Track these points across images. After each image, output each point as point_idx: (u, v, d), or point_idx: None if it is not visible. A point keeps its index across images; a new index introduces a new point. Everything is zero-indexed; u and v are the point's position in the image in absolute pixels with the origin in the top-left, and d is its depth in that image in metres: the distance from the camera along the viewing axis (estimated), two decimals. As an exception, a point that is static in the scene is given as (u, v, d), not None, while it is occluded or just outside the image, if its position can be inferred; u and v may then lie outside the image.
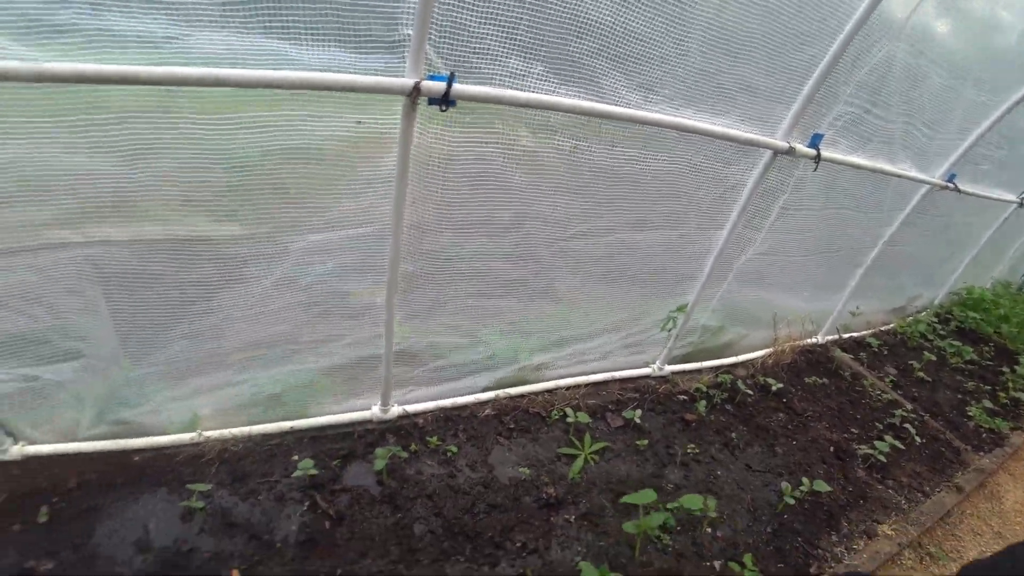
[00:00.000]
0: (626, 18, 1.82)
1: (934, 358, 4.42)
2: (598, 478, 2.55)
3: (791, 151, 2.38)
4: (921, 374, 4.10)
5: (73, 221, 1.69)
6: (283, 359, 2.22)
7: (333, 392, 2.41)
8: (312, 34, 1.51)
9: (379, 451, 2.31)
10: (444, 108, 1.68)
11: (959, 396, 4.06)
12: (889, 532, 2.67)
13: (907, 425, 3.37)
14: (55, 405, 2.13)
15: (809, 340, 3.99)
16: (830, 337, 4.16)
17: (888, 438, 3.14)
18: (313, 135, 1.65)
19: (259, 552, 1.98)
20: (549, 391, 2.91)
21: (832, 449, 3.10)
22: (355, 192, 1.83)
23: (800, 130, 2.42)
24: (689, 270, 2.83)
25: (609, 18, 1.82)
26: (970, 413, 3.82)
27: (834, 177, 2.85)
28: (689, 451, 2.78)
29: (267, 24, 1.48)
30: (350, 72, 1.55)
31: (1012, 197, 4.34)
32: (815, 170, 2.54)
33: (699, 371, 3.39)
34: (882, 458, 3.02)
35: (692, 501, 2.32)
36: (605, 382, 3.10)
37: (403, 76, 1.60)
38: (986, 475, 3.30)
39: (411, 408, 2.62)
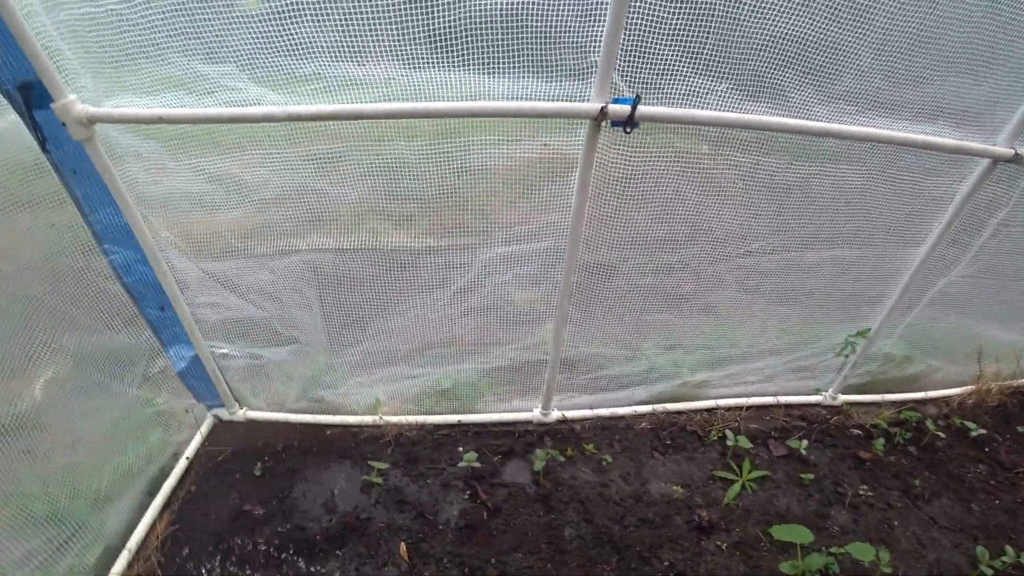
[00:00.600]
0: (816, 28, 1.70)
1: None
2: (755, 508, 2.41)
3: (1017, 158, 2.03)
4: None
5: (301, 231, 2.03)
6: (457, 358, 2.44)
7: (499, 392, 2.60)
8: (507, 66, 1.64)
9: (539, 452, 2.44)
10: (628, 130, 1.72)
11: None
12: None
13: None
14: (271, 380, 2.57)
15: (1020, 381, 3.35)
16: None
17: None
18: (505, 157, 1.80)
19: (424, 530, 2.21)
20: (708, 410, 2.82)
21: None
22: (538, 209, 1.95)
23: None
24: (875, 292, 2.55)
25: (798, 30, 1.72)
26: None
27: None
28: (861, 493, 2.51)
29: (465, 59, 1.65)
30: (541, 100, 1.66)
31: None
32: None
33: (878, 404, 3.03)
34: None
35: (862, 551, 2.08)
36: (769, 406, 2.91)
37: (589, 101, 1.67)
38: None
39: (570, 414, 2.74)
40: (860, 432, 2.83)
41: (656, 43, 1.64)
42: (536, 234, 2.08)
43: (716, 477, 2.54)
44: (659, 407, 2.80)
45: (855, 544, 2.10)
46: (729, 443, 2.62)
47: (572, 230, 2.00)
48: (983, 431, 2.92)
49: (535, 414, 2.68)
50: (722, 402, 2.84)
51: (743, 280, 2.35)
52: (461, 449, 2.53)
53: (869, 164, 2.08)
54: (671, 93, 1.77)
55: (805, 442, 2.68)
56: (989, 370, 3.19)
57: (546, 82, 1.67)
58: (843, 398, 2.95)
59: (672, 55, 1.70)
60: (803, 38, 1.76)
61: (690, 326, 2.52)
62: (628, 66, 1.68)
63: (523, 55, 1.62)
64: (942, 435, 2.89)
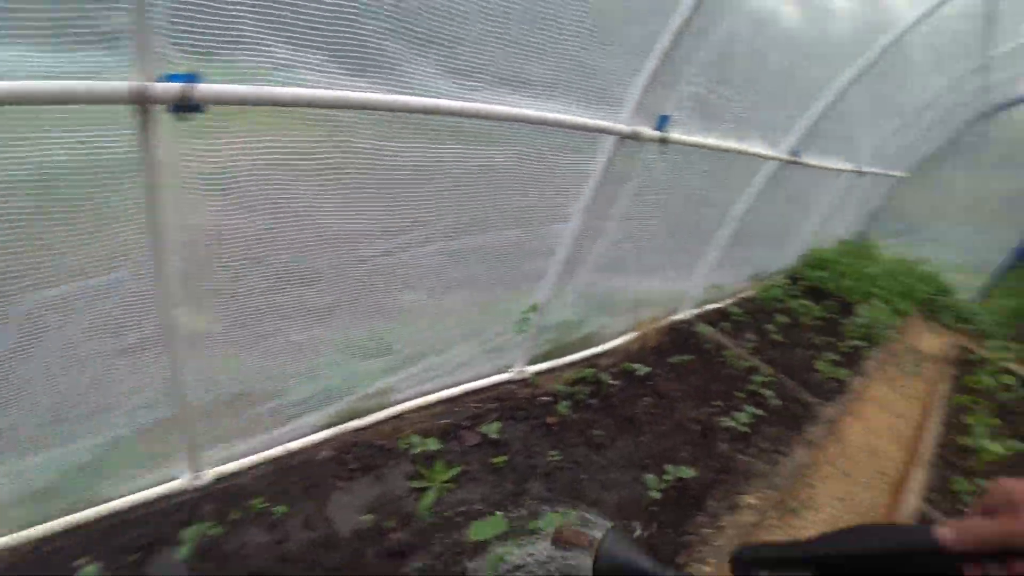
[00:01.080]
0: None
1: (788, 320, 4.68)
2: (453, 510, 2.29)
3: (636, 135, 2.15)
4: (777, 336, 4.31)
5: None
6: (48, 441, 1.66)
7: (128, 467, 1.89)
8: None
9: (186, 533, 1.86)
10: (186, 116, 1.21)
11: (809, 352, 4.33)
12: (753, 501, 2.71)
13: (765, 390, 3.49)
14: None
15: (675, 317, 4.00)
16: (694, 311, 4.21)
17: (748, 407, 3.22)
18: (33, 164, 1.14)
19: None
20: (396, 416, 2.58)
21: (698, 428, 3.10)
22: (96, 229, 1.33)
23: (645, 112, 2.20)
24: (537, 268, 2.58)
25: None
26: (818, 367, 4.08)
27: (686, 158, 2.70)
28: (551, 459, 2.60)
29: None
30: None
31: (850, 166, 4.59)
32: (663, 153, 2.35)
33: (562, 367, 3.22)
34: (744, 428, 3.07)
35: (550, 521, 2.16)
36: (460, 396, 2.82)
37: (127, 79, 1.11)
38: (833, 423, 3.52)
39: (230, 467, 2.16)
40: (549, 398, 2.95)
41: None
42: (106, 264, 1.45)
43: (412, 488, 2.35)
44: (340, 428, 2.45)
45: (548, 516, 2.12)
46: (416, 449, 2.44)
47: (154, 249, 1.43)
48: (647, 369, 3.36)
49: (184, 481, 2.05)
50: (410, 404, 2.65)
51: (403, 276, 2.10)
52: (82, 561, 1.80)
53: (507, 145, 1.96)
54: (248, 66, 1.32)
55: (497, 424, 2.66)
56: (646, 315, 3.68)
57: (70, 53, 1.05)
58: (531, 369, 3.05)
59: (243, 15, 1.23)
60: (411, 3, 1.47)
61: (354, 335, 2.20)
62: (184, 31, 1.17)
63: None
64: (615, 383, 3.22)
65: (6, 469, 1.67)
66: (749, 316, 4.57)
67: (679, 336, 3.89)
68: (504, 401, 2.86)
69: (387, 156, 1.70)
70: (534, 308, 2.73)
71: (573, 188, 2.32)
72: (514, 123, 1.89)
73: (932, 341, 5.92)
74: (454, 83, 1.69)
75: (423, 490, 2.31)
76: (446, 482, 2.38)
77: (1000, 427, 3.94)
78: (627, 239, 2.84)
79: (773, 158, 3.33)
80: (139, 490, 1.99)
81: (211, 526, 1.96)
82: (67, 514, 1.87)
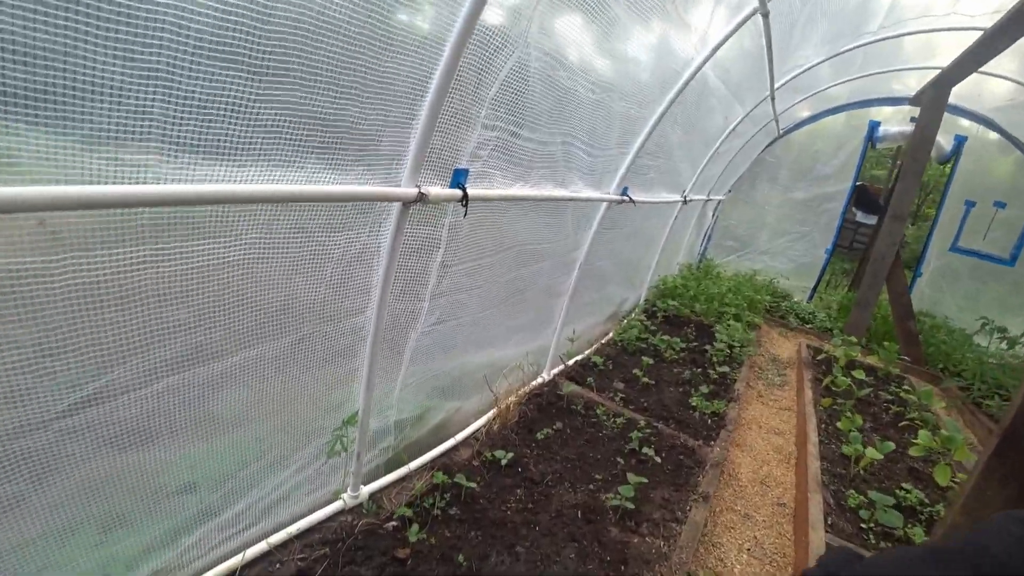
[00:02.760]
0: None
1: (653, 359, 4.53)
2: None
3: (423, 197, 1.75)
4: (646, 379, 4.09)
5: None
6: None
7: None
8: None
9: None
10: None
11: (681, 389, 4.17)
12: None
13: (646, 448, 3.18)
14: None
15: (537, 382, 3.63)
16: (556, 370, 3.88)
17: (632, 475, 2.85)
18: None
19: None
20: None
21: (580, 514, 2.67)
22: None
23: (433, 169, 1.82)
24: (342, 372, 2.05)
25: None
26: (693, 403, 3.91)
27: (502, 214, 2.37)
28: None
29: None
30: None
31: (677, 197, 4.72)
32: (465, 215, 1.98)
33: (411, 476, 2.65)
34: (630, 504, 2.68)
35: None
36: (279, 546, 2.12)
37: None
38: (721, 464, 3.30)
39: None
40: (396, 524, 2.35)
41: None
42: None
43: None
44: None
45: None
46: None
47: None
48: (511, 454, 2.90)
49: None
50: (216, 570, 1.91)
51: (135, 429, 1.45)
52: None
53: (235, 234, 1.44)
54: None
55: (323, 585, 2.01)
56: (502, 388, 3.26)
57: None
58: (368, 489, 2.44)
59: None
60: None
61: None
62: None
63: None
64: (477, 479, 2.71)
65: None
66: (614, 363, 4.35)
67: (544, 403, 3.50)
68: (337, 542, 2.21)
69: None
70: (351, 420, 2.16)
71: (360, 272, 1.84)
72: (247, 204, 1.38)
73: (785, 345, 6.25)
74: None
75: None
76: None
77: (867, 426, 4.06)
78: (454, 316, 2.41)
79: (602, 200, 3.18)
80: None
81: None
82: None
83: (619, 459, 3.11)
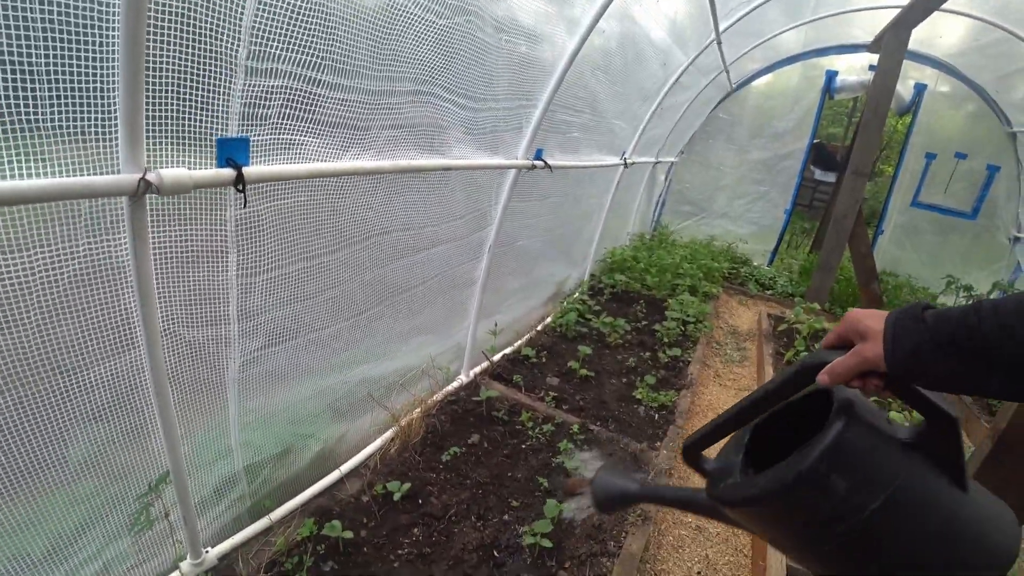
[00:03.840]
0: None
1: (594, 346, 4.02)
2: None
3: (149, 187, 1.14)
4: (584, 371, 3.59)
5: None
6: None
7: None
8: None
9: None
10: None
11: (625, 380, 3.68)
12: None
13: (576, 460, 2.69)
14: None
15: (452, 386, 3.08)
16: (478, 369, 3.34)
17: (551, 502, 2.36)
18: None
19: None
20: None
21: (486, 558, 2.17)
22: None
23: (188, 141, 1.22)
24: (126, 428, 1.47)
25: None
26: (638, 396, 3.43)
27: (342, 194, 1.76)
28: None
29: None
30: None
31: (615, 160, 4.16)
32: (245, 204, 1.37)
33: (278, 525, 2.09)
34: (548, 543, 2.19)
35: None
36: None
37: None
38: (670, 470, 2.84)
39: None
40: None
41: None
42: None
43: None
44: None
45: None
46: None
47: None
48: (408, 484, 2.37)
49: None
50: None
51: None
52: None
53: None
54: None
55: None
56: (406, 401, 2.72)
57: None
58: (216, 551, 1.89)
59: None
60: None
61: None
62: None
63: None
64: (364, 520, 2.19)
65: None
66: (548, 353, 3.83)
67: (460, 411, 2.97)
68: None
69: None
70: (161, 481, 1.59)
71: (101, 303, 1.24)
72: None
73: (745, 315, 5.86)
74: None
75: None
76: None
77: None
78: (294, 330, 1.83)
79: (508, 167, 2.60)
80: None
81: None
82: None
83: (542, 479, 2.60)
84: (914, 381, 0.69)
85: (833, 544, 0.69)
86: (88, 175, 1.10)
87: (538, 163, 2.76)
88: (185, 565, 1.81)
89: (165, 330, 1.43)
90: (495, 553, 2.20)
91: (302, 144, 1.47)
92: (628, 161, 4.41)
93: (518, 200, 2.89)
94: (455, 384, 3.11)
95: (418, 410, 2.72)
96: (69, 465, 1.42)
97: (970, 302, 0.70)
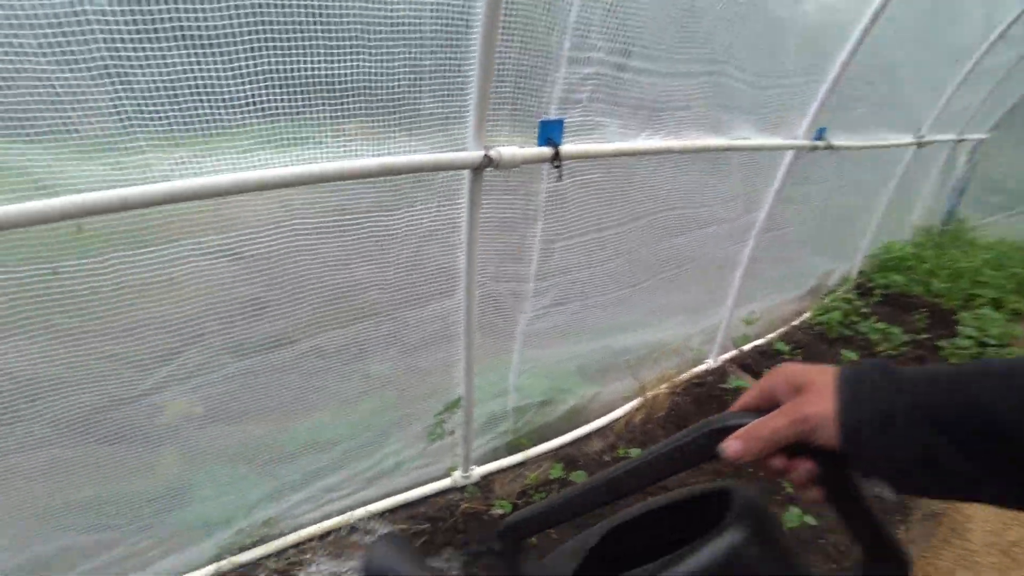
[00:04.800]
0: None
1: (858, 353, 3.55)
2: None
3: (491, 161, 1.43)
4: (844, 378, 3.22)
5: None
6: None
7: None
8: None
9: None
10: None
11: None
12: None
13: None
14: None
15: (699, 368, 3.08)
16: (726, 356, 3.26)
17: (793, 509, 2.22)
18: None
19: None
20: (297, 546, 1.92)
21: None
22: None
23: (513, 124, 1.49)
24: (441, 357, 1.88)
25: None
26: None
27: (629, 173, 1.92)
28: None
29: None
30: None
31: (907, 138, 3.55)
32: (560, 179, 1.59)
33: (531, 463, 2.41)
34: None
35: None
36: (380, 515, 2.11)
37: None
38: (940, 514, 2.44)
39: None
40: (501, 512, 2.16)
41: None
42: None
43: None
44: (225, 563, 1.84)
45: None
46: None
47: None
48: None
49: None
50: (315, 529, 1.98)
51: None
52: None
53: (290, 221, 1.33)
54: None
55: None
56: (655, 374, 2.82)
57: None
58: (480, 471, 2.28)
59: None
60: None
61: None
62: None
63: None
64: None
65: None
66: (804, 352, 3.51)
67: (705, 395, 2.96)
68: (440, 520, 2.11)
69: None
70: (454, 405, 2.01)
71: (438, 255, 1.63)
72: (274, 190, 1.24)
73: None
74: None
75: None
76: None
77: None
78: (574, 294, 2.07)
79: (785, 147, 2.46)
80: None
81: None
82: None
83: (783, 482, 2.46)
84: (870, 468, 0.45)
85: None
86: (446, 152, 1.42)
87: (819, 143, 2.55)
88: (456, 475, 2.23)
89: (478, 283, 1.76)
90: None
91: (604, 125, 1.65)
92: (922, 140, 3.72)
93: (791, 183, 2.72)
94: (703, 367, 3.11)
95: (665, 386, 2.81)
96: (393, 385, 1.89)
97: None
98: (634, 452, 2.49)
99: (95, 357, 1.29)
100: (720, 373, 3.16)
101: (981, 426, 0.41)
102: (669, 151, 1.86)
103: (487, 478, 2.32)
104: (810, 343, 3.63)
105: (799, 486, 0.49)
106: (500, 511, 2.15)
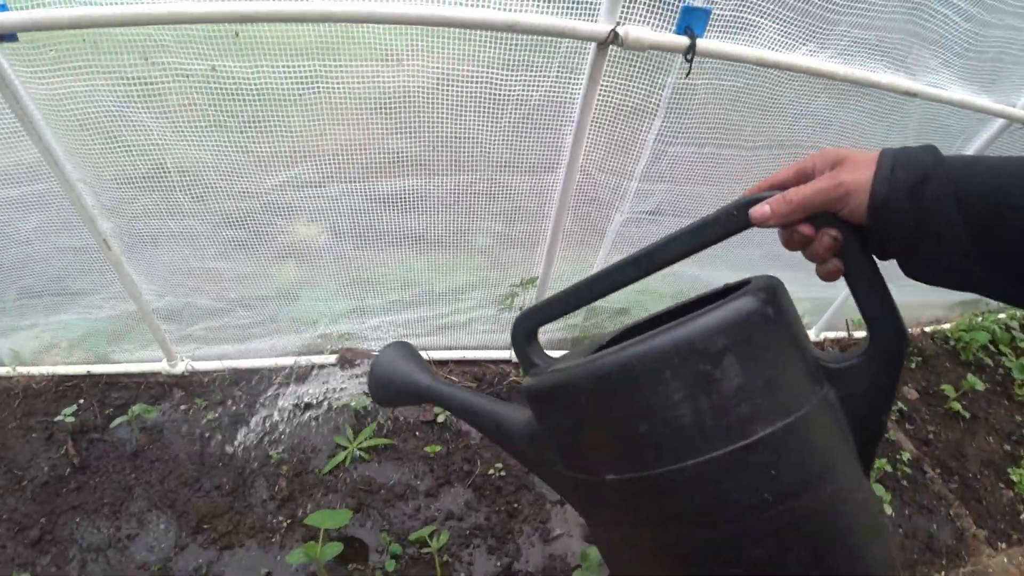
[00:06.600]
0: None
1: (986, 385, 3.04)
2: (354, 482, 1.96)
3: (616, 38, 1.37)
4: (957, 405, 2.83)
5: None
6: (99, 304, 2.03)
7: (126, 341, 2.18)
8: None
9: (135, 408, 2.01)
10: None
11: (1007, 447, 2.77)
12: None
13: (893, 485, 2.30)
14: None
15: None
16: (829, 335, 3.00)
17: None
18: None
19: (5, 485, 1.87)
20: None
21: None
22: None
23: (660, 5, 1.40)
24: (528, 230, 1.96)
25: None
26: (1012, 477, 2.59)
27: (776, 90, 1.71)
28: (492, 471, 2.02)
29: None
30: None
31: None
32: (688, 75, 1.48)
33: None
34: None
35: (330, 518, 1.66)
36: (444, 361, 2.39)
37: None
38: None
39: (200, 365, 2.26)
40: None
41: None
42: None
43: (337, 444, 2.06)
44: (303, 359, 2.27)
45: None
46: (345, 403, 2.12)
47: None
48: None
49: (163, 365, 2.22)
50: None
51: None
52: (83, 401, 2.11)
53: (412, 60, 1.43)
54: None
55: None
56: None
57: None
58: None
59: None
60: None
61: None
62: None
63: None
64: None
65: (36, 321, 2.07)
66: (925, 362, 3.05)
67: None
68: (487, 383, 2.35)
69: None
70: (529, 282, 2.13)
71: (548, 125, 1.66)
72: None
73: None
74: None
75: (336, 452, 2.02)
76: (367, 449, 2.05)
77: None
78: (680, 207, 2.00)
79: (996, 113, 1.96)
80: (135, 361, 2.25)
81: (157, 410, 2.11)
82: (85, 364, 2.23)
83: None
84: (899, 240, 0.45)
85: (665, 485, 0.46)
86: (574, 21, 1.38)
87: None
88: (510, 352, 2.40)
89: (582, 167, 1.76)
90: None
91: (758, 26, 1.48)
92: None
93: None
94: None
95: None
96: (478, 245, 2.02)
97: None
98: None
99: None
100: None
101: (996, 213, 0.41)
102: (831, 76, 1.62)
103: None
104: (933, 356, 3.15)
105: (820, 256, 0.50)
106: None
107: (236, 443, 2.04)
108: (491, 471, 2.02)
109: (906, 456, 2.44)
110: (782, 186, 0.51)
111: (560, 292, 0.61)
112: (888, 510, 2.17)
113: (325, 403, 2.14)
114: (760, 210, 0.49)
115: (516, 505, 1.95)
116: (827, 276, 0.50)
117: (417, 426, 2.14)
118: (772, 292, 0.49)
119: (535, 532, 1.90)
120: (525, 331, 0.65)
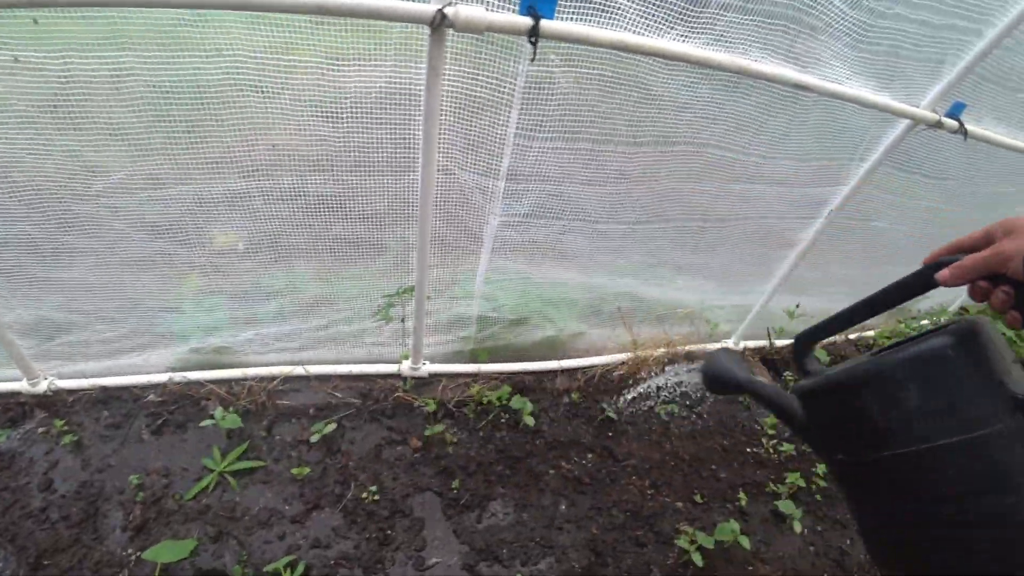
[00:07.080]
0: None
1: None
2: (215, 508, 1.79)
3: (444, 19, 1.23)
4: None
5: None
6: None
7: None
8: None
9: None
10: None
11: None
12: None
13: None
14: None
15: (711, 345, 2.76)
16: (750, 344, 2.88)
17: (732, 522, 1.97)
18: None
19: None
20: (239, 380, 2.13)
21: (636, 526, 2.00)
22: None
23: None
24: (397, 235, 1.82)
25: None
26: None
27: (651, 78, 1.57)
28: (365, 496, 1.86)
29: None
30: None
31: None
32: (533, 60, 1.34)
33: (479, 376, 2.36)
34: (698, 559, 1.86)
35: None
36: (328, 376, 2.22)
37: None
38: None
39: (65, 383, 2.07)
40: (433, 412, 2.17)
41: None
42: None
43: (205, 466, 1.88)
44: (177, 376, 2.09)
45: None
46: (216, 421, 1.93)
47: None
48: (612, 414, 2.33)
49: (24, 384, 2.02)
50: (261, 371, 2.16)
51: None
52: None
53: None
54: None
55: (334, 426, 2.02)
56: (650, 333, 2.56)
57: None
58: (429, 369, 2.28)
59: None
60: None
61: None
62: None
63: None
64: (550, 417, 2.28)
65: None
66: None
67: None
68: (371, 400, 2.18)
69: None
70: (406, 292, 1.98)
71: (394, 123, 1.51)
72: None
73: None
74: None
75: (203, 474, 1.84)
76: (235, 472, 1.86)
77: None
78: (560, 210, 1.86)
79: (897, 112, 1.91)
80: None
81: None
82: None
83: (741, 493, 2.19)
84: None
85: (878, 472, 0.61)
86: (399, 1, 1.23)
87: (950, 122, 1.96)
88: (405, 365, 2.26)
89: (442, 166, 1.62)
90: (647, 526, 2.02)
91: (619, 9, 1.36)
92: None
93: (894, 167, 2.18)
94: (716, 345, 2.78)
95: (662, 350, 2.57)
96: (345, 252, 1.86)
97: None
98: (606, 405, 2.33)
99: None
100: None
101: None
102: (706, 63, 1.50)
103: (435, 377, 2.32)
104: (852, 357, 3.06)
105: (998, 308, 0.56)
106: (427, 408, 2.16)
107: (92, 468, 1.86)
108: (364, 495, 1.86)
109: (821, 469, 2.32)
110: (971, 248, 0.59)
111: (821, 323, 0.76)
112: (797, 527, 2.05)
113: (202, 423, 1.97)
114: (942, 274, 0.59)
115: (389, 531, 1.79)
116: (1011, 324, 0.56)
117: (294, 445, 1.98)
118: (969, 332, 0.57)
119: (408, 560, 1.74)
120: (803, 345, 0.79)
